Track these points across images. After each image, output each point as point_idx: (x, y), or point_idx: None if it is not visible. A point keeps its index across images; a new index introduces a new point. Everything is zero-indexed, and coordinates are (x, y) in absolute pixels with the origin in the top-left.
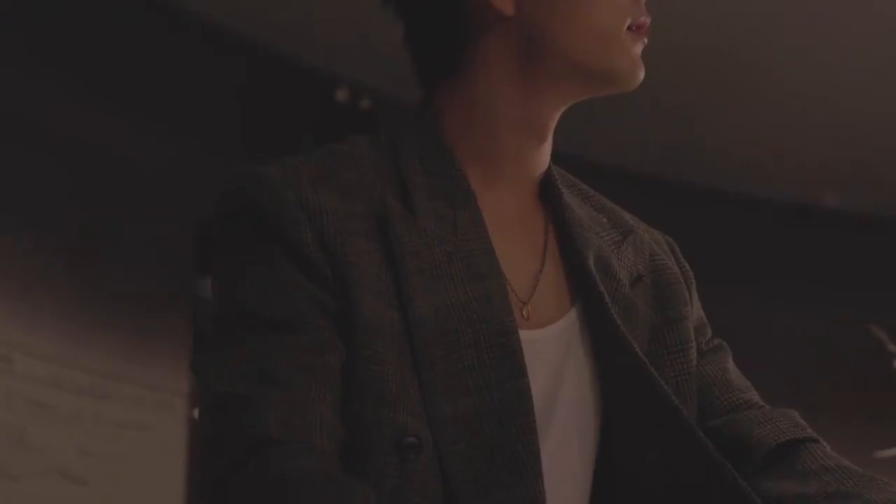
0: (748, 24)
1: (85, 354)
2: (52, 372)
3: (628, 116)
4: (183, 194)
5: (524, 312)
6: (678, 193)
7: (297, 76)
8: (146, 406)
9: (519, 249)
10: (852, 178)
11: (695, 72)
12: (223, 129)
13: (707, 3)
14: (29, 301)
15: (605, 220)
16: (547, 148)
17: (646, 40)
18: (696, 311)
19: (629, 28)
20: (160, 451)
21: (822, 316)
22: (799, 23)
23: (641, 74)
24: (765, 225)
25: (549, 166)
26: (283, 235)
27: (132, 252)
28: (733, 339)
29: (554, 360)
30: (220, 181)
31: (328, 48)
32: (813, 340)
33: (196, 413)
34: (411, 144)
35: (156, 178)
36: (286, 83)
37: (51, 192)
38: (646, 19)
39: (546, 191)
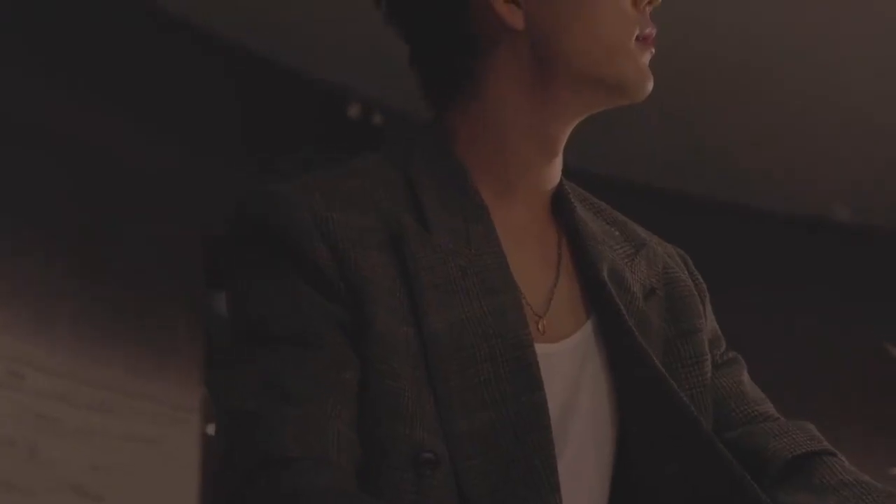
0: (750, 25)
1: (93, 368)
2: (62, 387)
3: (635, 127)
4: (184, 195)
5: (540, 326)
6: (685, 203)
7: (299, 81)
8: (157, 420)
9: (533, 263)
10: (854, 185)
11: (695, 75)
12: (224, 130)
13: (709, 4)
14: (33, 310)
15: (617, 233)
16: (558, 162)
17: (653, 50)
18: (710, 323)
19: (636, 39)
20: (173, 465)
21: (830, 325)
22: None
23: (650, 84)
24: (772, 234)
25: (561, 180)
26: (295, 250)
27: (133, 254)
28: (740, 349)
29: (570, 373)
30: (221, 183)
31: (328, 49)
32: (816, 347)
33: (210, 429)
34: (422, 159)
35: (156, 178)
36: (287, 87)
37: (51, 192)
38: (652, 30)
39: (558, 204)
